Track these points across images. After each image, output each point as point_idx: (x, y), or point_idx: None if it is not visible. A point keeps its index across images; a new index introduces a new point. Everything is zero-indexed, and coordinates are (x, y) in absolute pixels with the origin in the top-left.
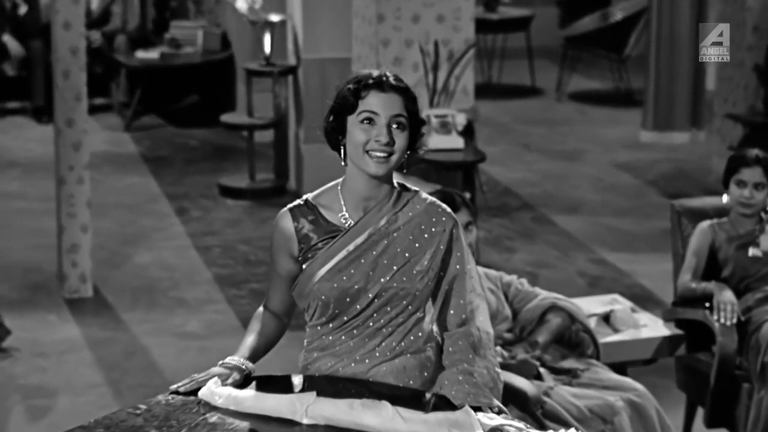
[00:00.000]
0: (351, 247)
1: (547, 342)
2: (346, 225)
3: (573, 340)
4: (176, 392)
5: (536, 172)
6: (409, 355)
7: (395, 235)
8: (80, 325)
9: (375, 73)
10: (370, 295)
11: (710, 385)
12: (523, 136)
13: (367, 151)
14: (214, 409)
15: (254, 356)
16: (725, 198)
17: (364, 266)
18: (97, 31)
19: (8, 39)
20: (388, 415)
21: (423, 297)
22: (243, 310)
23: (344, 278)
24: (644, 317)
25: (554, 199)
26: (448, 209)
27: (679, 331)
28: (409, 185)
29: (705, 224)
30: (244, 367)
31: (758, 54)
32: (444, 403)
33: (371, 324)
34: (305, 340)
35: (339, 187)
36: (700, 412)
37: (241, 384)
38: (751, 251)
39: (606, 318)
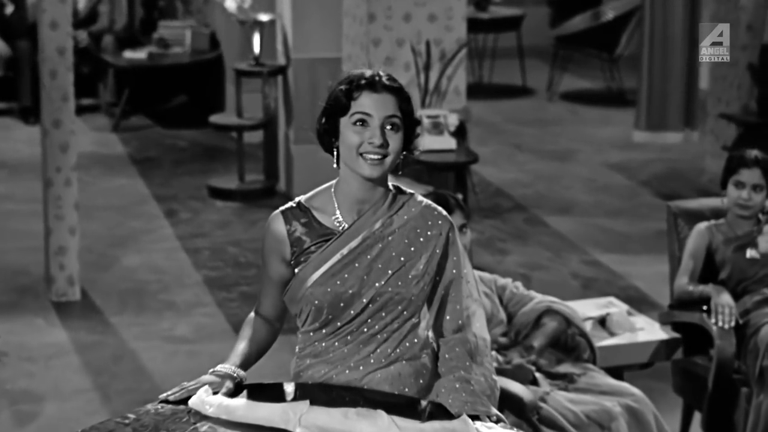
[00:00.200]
0: (345, 250)
1: (543, 346)
2: (340, 228)
3: (569, 344)
4: (166, 401)
5: (528, 173)
6: (404, 361)
7: (390, 238)
8: (68, 328)
9: (367, 72)
10: (365, 300)
11: (708, 389)
12: (515, 136)
13: (360, 154)
14: (205, 418)
15: (246, 364)
16: (724, 201)
17: (358, 270)
18: (84, 31)
19: None
20: (383, 424)
21: (418, 302)
22: (233, 313)
23: (338, 283)
24: (640, 320)
25: (546, 199)
26: (444, 212)
27: (676, 335)
28: (404, 188)
29: (702, 226)
30: (235, 375)
31: (752, 53)
32: (440, 411)
33: (366, 330)
34: (297, 347)
35: (332, 190)
36: (697, 417)
37: (233, 392)
38: (749, 253)
39: (602, 321)
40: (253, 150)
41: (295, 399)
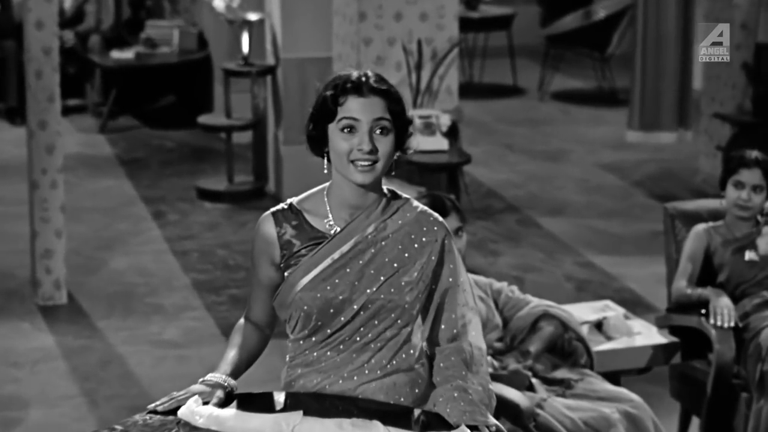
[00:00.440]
0: (336, 255)
1: (539, 351)
2: (332, 232)
3: (566, 348)
4: (154, 411)
5: (520, 174)
6: (400, 372)
7: (383, 243)
8: (54, 333)
9: (354, 75)
10: (355, 307)
11: (707, 394)
12: (506, 136)
13: (351, 161)
14: (195, 429)
15: (236, 372)
16: (723, 202)
17: (349, 276)
18: (70, 31)
19: None
20: None
21: (412, 310)
22: (222, 316)
23: (328, 288)
24: (638, 324)
25: (539, 200)
26: (440, 218)
27: (674, 339)
28: (399, 192)
29: (700, 228)
30: (226, 384)
31: (746, 52)
32: (437, 421)
33: (359, 339)
34: (287, 356)
35: (325, 193)
36: (695, 422)
37: (223, 402)
38: (748, 255)
39: (599, 325)
40: (242, 151)
41: (287, 409)
